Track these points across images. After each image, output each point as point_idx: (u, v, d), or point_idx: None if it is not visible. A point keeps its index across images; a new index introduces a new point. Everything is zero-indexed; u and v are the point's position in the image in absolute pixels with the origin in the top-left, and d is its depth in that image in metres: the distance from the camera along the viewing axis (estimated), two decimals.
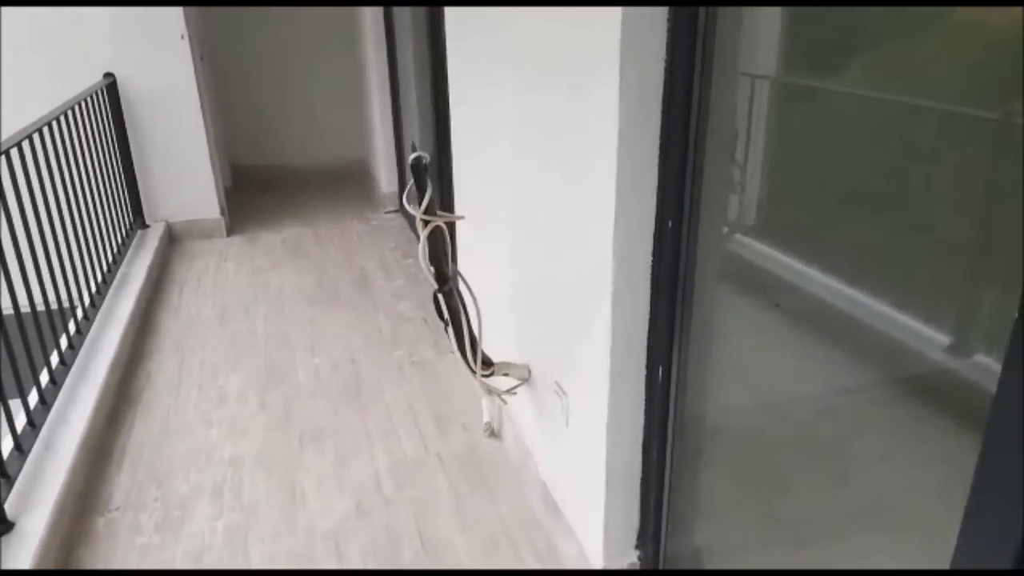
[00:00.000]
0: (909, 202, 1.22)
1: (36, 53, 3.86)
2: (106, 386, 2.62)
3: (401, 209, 4.98)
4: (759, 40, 1.47)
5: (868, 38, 1.28)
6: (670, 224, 1.50)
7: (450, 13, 2.55)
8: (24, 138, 2.64)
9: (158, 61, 4.11)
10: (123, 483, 2.30)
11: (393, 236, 4.52)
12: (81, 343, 2.77)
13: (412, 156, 1.78)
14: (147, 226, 4.21)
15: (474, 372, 1.96)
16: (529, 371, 2.13)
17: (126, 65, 4.04)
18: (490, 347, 2.36)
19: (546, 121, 1.83)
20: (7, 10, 3.74)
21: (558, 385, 1.91)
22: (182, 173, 4.29)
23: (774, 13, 1.45)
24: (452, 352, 2.01)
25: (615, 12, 1.38)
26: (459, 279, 1.98)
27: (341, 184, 5.55)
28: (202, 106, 4.26)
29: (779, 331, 1.59)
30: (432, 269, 1.86)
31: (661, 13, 1.39)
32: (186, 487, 2.28)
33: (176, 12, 4.06)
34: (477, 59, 2.40)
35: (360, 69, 5.36)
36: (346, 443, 2.49)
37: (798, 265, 1.51)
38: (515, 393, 2.14)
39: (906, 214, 1.22)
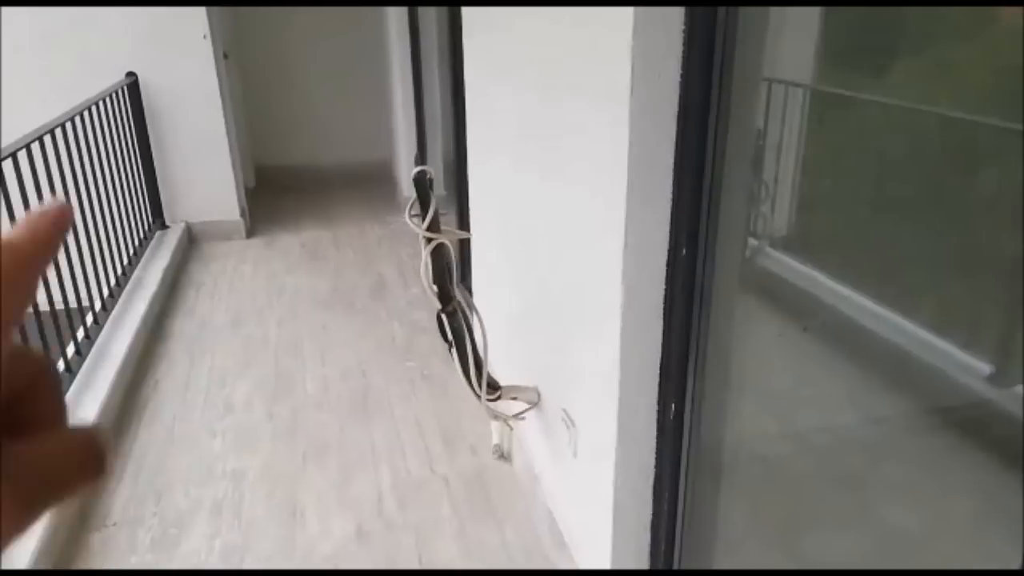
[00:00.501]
0: (949, 220, 1.11)
1: (57, 53, 3.86)
2: (111, 394, 2.58)
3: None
4: (790, 43, 1.35)
5: (912, 41, 1.17)
6: (684, 250, 1.39)
7: (466, 13, 2.46)
8: (38, 137, 2.62)
9: (181, 61, 4.09)
10: (122, 495, 2.25)
11: (412, 241, 4.41)
12: (89, 348, 2.74)
13: (415, 170, 1.69)
14: (167, 227, 4.19)
15: (479, 397, 1.87)
16: (539, 394, 2.03)
17: (148, 65, 4.02)
18: (499, 367, 2.27)
19: (551, 132, 1.73)
20: (26, 10, 3.74)
21: (566, 413, 1.80)
22: (202, 174, 4.27)
23: (805, 14, 1.33)
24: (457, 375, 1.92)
25: (626, 12, 1.27)
26: (464, 298, 1.89)
27: (363, 186, 5.49)
28: (224, 107, 4.23)
29: (807, 355, 1.48)
30: (435, 288, 1.77)
31: (676, 14, 1.27)
32: (185, 502, 2.22)
33: (199, 12, 4.03)
34: (485, 62, 2.30)
35: (385, 69, 5.30)
36: (350, 459, 2.42)
37: (829, 283, 1.40)
38: (523, 418, 2.04)
39: (946, 233, 1.12)
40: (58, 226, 0.25)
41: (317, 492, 2.27)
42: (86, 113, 3.17)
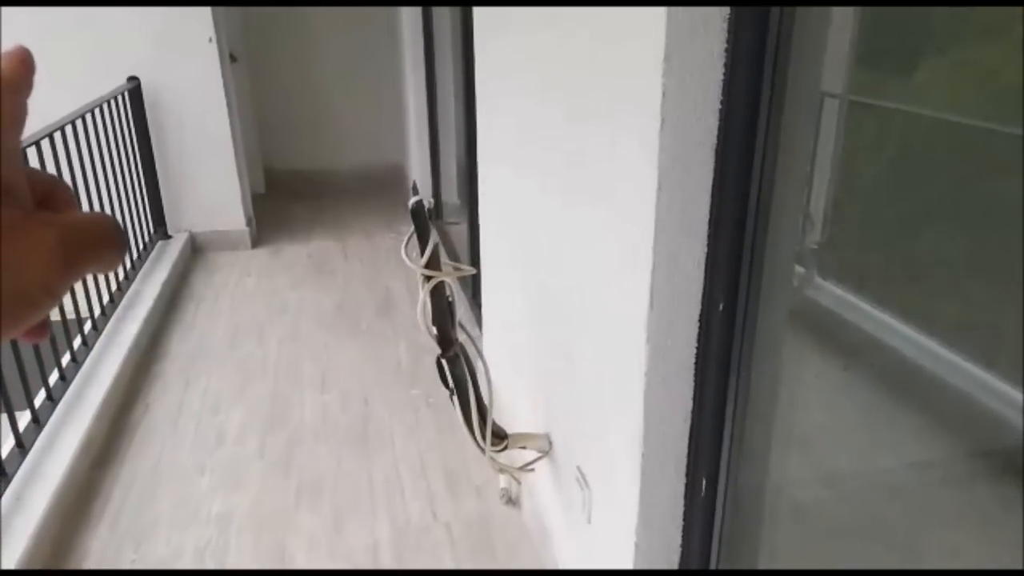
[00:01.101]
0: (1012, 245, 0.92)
1: (57, 56, 3.70)
2: (96, 423, 2.42)
3: (434, 223, 4.72)
4: (832, 49, 1.14)
5: (973, 45, 0.96)
6: (721, 306, 1.18)
7: (478, 14, 2.26)
8: (33, 143, 2.47)
9: (185, 64, 3.93)
10: (100, 538, 2.09)
11: None
12: (76, 372, 2.58)
13: (412, 200, 1.50)
14: (169, 236, 4.04)
15: (482, 449, 1.67)
16: (550, 442, 1.83)
17: (152, 68, 3.87)
18: (510, 406, 2.07)
19: (571, 160, 1.52)
20: (26, 11, 3.60)
21: (580, 472, 1.60)
22: (207, 182, 4.11)
23: (886, 14, 1.11)
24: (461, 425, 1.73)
25: (657, 14, 1.07)
26: (469, 339, 1.70)
27: (376, 192, 5.32)
28: (230, 112, 4.07)
29: (866, 402, 1.27)
30: (435, 331, 1.58)
31: (718, 17, 1.07)
32: (166, 549, 2.05)
33: (204, 13, 3.87)
34: (494, 68, 2.11)
35: (399, 71, 5.12)
36: (346, 500, 2.23)
37: (887, 319, 1.19)
38: (532, 469, 1.85)
39: (1010, 261, 0.93)
40: (19, 57, 0.29)
41: (308, 538, 2.09)
42: (83, 119, 3.01)
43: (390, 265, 4.07)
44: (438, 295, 1.57)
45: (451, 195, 4.28)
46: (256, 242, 4.37)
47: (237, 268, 4.01)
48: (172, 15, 3.83)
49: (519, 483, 2.00)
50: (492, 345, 2.56)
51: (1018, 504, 0.99)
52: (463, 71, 3.04)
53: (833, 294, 1.29)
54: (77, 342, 2.69)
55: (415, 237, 1.53)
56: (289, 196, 5.24)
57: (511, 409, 2.18)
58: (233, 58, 4.82)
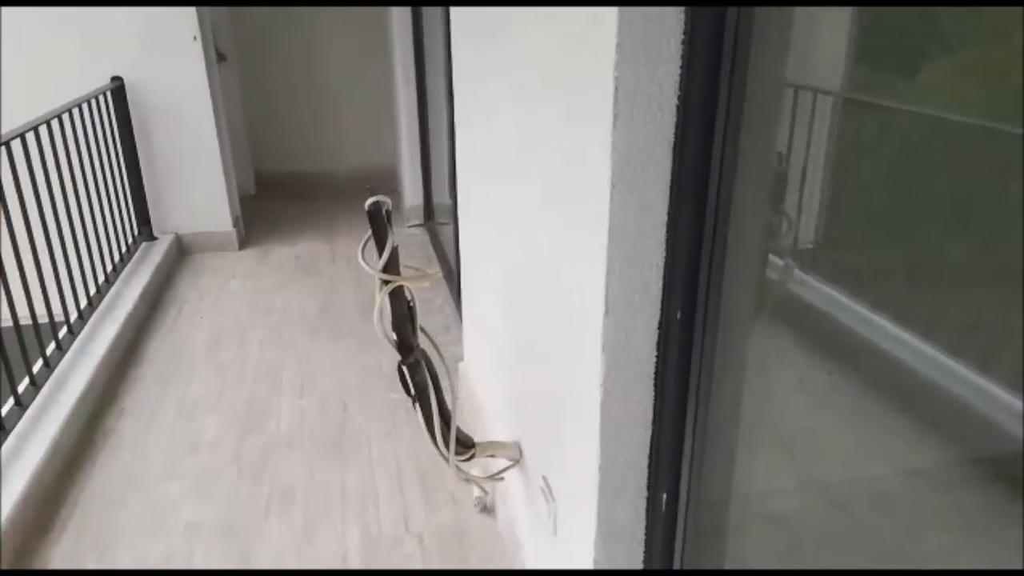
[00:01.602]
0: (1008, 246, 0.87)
1: (38, 56, 3.68)
2: (66, 429, 2.37)
3: (425, 224, 4.67)
4: (822, 42, 1.07)
5: (969, 41, 0.91)
6: (679, 313, 1.12)
7: (454, 14, 2.21)
8: (4, 142, 2.42)
9: (170, 64, 3.88)
10: (63, 550, 2.04)
11: (413, 254, 4.21)
12: (48, 377, 2.54)
13: (369, 202, 1.45)
14: (154, 238, 4.00)
15: (446, 458, 1.62)
16: (520, 451, 1.77)
17: (136, 69, 3.82)
18: (490, 416, 2.02)
19: (531, 162, 1.47)
20: (5, 11, 3.57)
21: (546, 483, 1.54)
22: (193, 183, 4.07)
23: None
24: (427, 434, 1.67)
25: (610, 13, 1.01)
26: (432, 345, 1.64)
27: (367, 193, 5.26)
28: (216, 113, 4.03)
29: (841, 405, 1.21)
30: (394, 337, 1.52)
31: (674, 16, 1.01)
32: (130, 559, 2.00)
33: (189, 13, 3.83)
34: (469, 67, 2.06)
35: (391, 72, 5.07)
36: (317, 509, 2.18)
37: (869, 318, 1.13)
38: (501, 478, 1.79)
39: (996, 259, 0.87)
40: None
41: (276, 549, 2.03)
42: (59, 119, 2.97)
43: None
44: (397, 300, 1.52)
45: (443, 196, 4.23)
46: (244, 244, 4.33)
47: (223, 270, 3.96)
48: (156, 15, 3.79)
49: (486, 492, 1.94)
50: (472, 349, 2.51)
51: (1006, 509, 0.94)
52: (445, 71, 2.99)
53: (817, 295, 1.22)
54: (51, 347, 2.65)
55: (373, 240, 1.47)
56: (280, 197, 5.19)
57: (491, 416, 2.13)
58: (222, 57, 4.78)
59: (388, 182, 5.43)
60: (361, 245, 1.49)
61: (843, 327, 1.22)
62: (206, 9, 4.02)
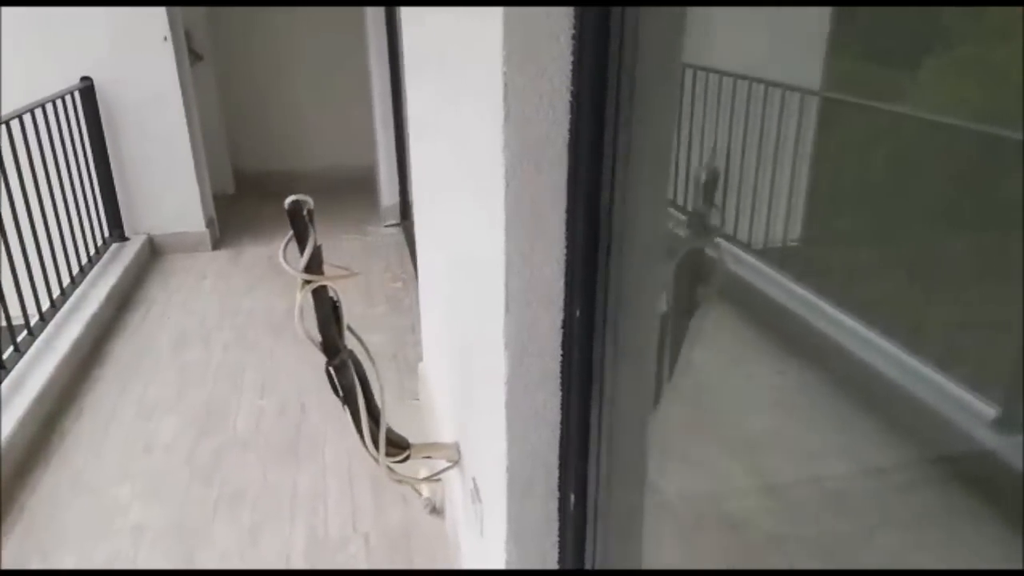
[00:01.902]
0: (956, 236, 0.86)
1: (8, 59, 3.66)
2: (20, 431, 2.36)
3: (402, 224, 4.66)
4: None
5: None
6: (579, 312, 1.11)
7: (402, 12, 2.20)
8: None
9: (140, 66, 3.87)
10: (8, 551, 2.03)
11: (386, 254, 4.21)
12: (4, 378, 2.53)
13: (288, 201, 1.43)
14: (126, 239, 3.99)
15: (376, 460, 1.60)
16: (459, 452, 1.76)
17: (106, 69, 3.82)
18: (435, 417, 2.01)
19: (455, 158, 1.46)
20: None
21: (475, 484, 1.53)
22: (166, 184, 4.06)
23: None
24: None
25: (496, 12, 1.00)
26: (361, 345, 1.63)
27: (346, 192, 5.25)
28: (188, 114, 4.02)
29: (782, 401, 1.20)
30: (319, 339, 1.51)
31: (563, 14, 0.99)
32: (73, 561, 2.00)
33: (159, 13, 3.82)
34: (408, 63, 2.05)
35: (367, 72, 5.05)
36: (266, 511, 2.17)
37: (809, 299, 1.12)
38: (438, 479, 1.78)
39: (949, 252, 0.88)
40: None
41: (221, 551, 2.02)
42: (20, 119, 2.96)
43: (351, 267, 4.00)
44: (321, 300, 1.50)
45: None
46: (218, 244, 4.32)
47: (194, 271, 3.95)
48: (127, 15, 3.77)
49: (420, 494, 1.93)
50: (429, 349, 2.50)
51: (965, 515, 0.93)
52: (390, 69, 2.98)
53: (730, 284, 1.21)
54: (8, 350, 2.64)
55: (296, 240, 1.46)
56: (258, 196, 5.17)
57: (442, 417, 2.12)
58: (199, 57, 4.78)
59: (366, 181, 5.42)
60: (283, 245, 1.48)
61: (763, 318, 1.21)
62: (178, 9, 4.01)
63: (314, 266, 1.46)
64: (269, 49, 5.31)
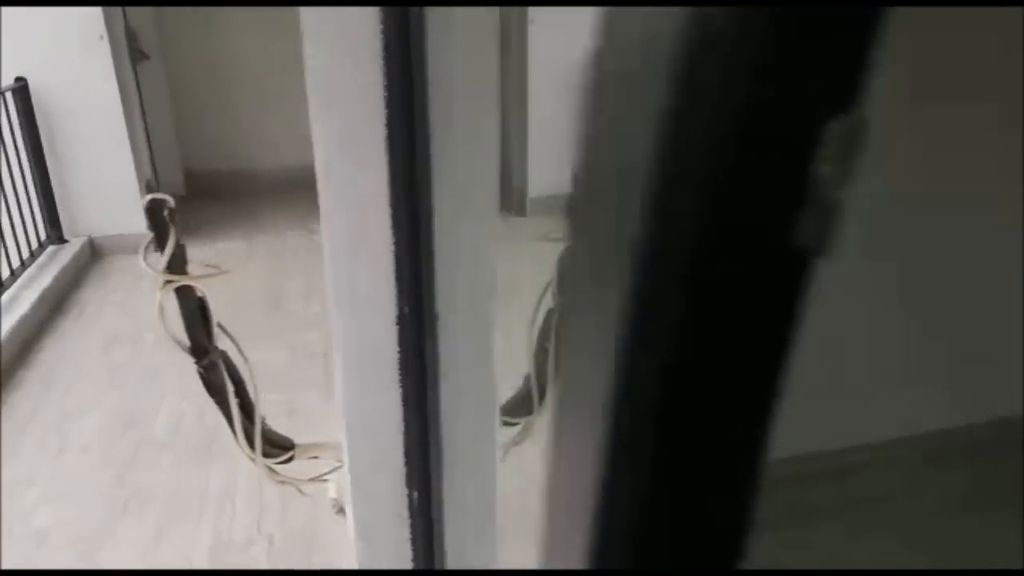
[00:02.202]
0: None
1: None
2: None
3: None
4: None
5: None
6: (406, 309, 1.11)
7: None
8: None
9: (76, 66, 3.83)
10: None
11: None
12: None
13: (146, 199, 1.42)
14: (65, 241, 3.95)
15: (252, 459, 1.59)
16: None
17: (42, 70, 3.77)
18: None
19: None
20: None
21: (348, 485, 1.52)
22: (105, 185, 4.01)
23: None
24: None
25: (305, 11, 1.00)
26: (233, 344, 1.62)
27: (299, 191, 5.18)
28: (128, 114, 3.98)
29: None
30: (186, 340, 1.50)
31: (372, 13, 0.99)
32: None
33: (95, 13, 3.77)
34: None
35: None
36: (174, 512, 2.16)
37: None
38: (325, 479, 1.77)
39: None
40: None
41: (121, 555, 2.01)
42: None
43: (295, 265, 4.00)
44: (186, 300, 1.49)
45: None
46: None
47: (133, 272, 3.90)
48: (61, 16, 3.73)
49: (304, 494, 1.93)
50: None
51: None
52: None
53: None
54: None
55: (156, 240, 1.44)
56: (211, 197, 5.14)
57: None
58: (144, 56, 4.73)
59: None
60: (143, 245, 1.46)
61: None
62: (117, 9, 3.97)
63: (176, 265, 1.44)
64: (221, 48, 5.27)
